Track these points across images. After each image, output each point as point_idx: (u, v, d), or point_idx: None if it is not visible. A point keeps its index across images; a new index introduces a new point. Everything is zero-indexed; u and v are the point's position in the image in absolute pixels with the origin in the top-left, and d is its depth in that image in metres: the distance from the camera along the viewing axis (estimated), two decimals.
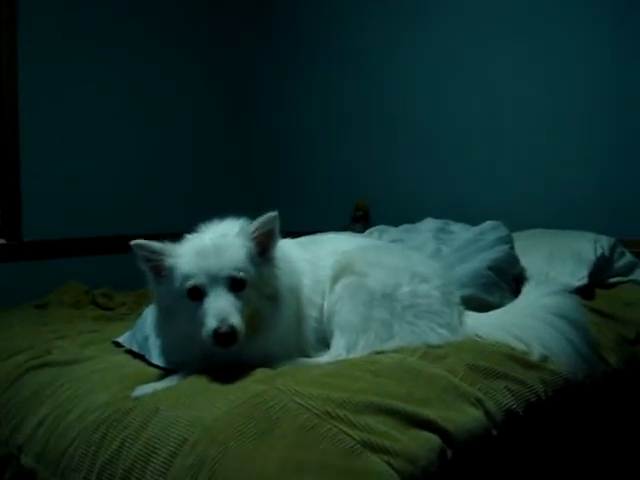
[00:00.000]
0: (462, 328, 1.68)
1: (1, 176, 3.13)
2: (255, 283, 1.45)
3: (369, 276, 1.63)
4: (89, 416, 1.36)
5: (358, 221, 3.39)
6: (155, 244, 1.47)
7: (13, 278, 3.06)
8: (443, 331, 1.61)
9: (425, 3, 3.30)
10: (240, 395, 1.26)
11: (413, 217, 2.60)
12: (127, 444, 1.23)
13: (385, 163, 3.48)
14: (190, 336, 1.42)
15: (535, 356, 1.58)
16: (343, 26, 3.65)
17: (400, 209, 3.20)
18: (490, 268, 2.01)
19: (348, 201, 3.47)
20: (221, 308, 1.37)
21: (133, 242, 1.46)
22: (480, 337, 1.66)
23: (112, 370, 1.61)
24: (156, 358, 1.63)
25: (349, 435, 1.11)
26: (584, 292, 2.12)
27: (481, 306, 1.86)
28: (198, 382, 1.38)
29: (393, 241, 2.29)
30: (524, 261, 2.20)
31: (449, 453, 1.18)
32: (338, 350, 1.56)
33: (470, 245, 2.13)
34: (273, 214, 1.49)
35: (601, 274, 2.29)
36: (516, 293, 1.96)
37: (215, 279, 1.40)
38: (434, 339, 1.59)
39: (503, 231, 2.19)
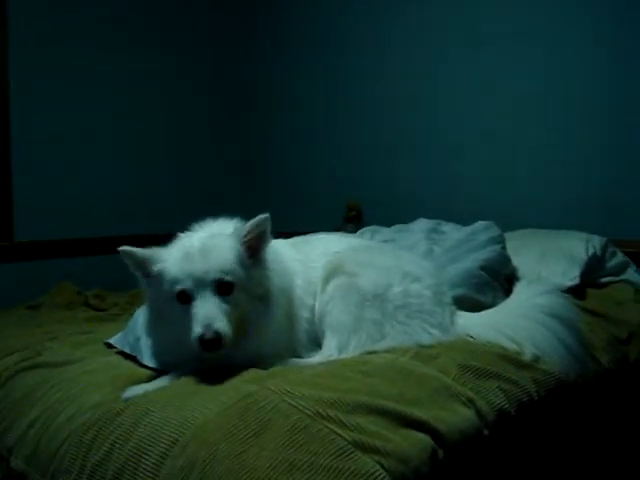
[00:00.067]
0: (454, 328, 1.68)
1: None
2: (244, 285, 1.45)
3: (360, 276, 1.63)
4: (80, 418, 1.36)
5: (351, 221, 3.39)
6: (141, 251, 1.47)
7: (5, 279, 3.05)
8: (435, 331, 1.61)
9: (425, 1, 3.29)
10: (231, 396, 1.25)
11: (406, 217, 2.59)
12: (118, 445, 1.23)
13: (378, 163, 3.47)
14: (180, 338, 1.42)
15: (527, 356, 1.58)
16: (343, 26, 3.64)
17: (393, 209, 3.20)
18: (482, 268, 2.01)
19: (341, 201, 3.47)
20: (206, 313, 1.37)
21: (120, 249, 1.46)
22: (472, 337, 1.66)
23: (103, 371, 1.60)
24: (147, 359, 1.63)
25: (340, 435, 1.11)
26: (576, 292, 2.12)
27: (473, 306, 1.86)
28: (189, 383, 1.38)
29: (385, 241, 2.29)
30: (516, 261, 2.20)
31: (441, 453, 1.18)
32: (330, 350, 1.56)
33: (462, 245, 2.13)
34: (264, 216, 1.49)
35: (593, 274, 2.30)
36: (508, 293, 1.95)
37: (201, 283, 1.40)
38: (426, 339, 1.59)
39: (495, 231, 2.19)
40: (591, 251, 2.29)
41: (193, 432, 1.16)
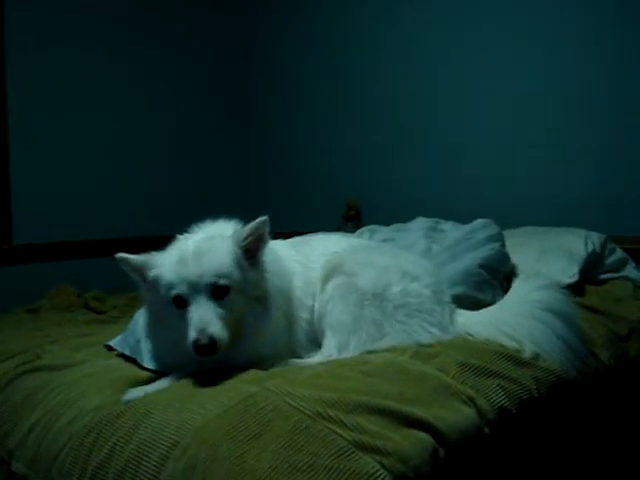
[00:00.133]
0: (453, 327, 1.68)
1: None
2: (241, 287, 1.44)
3: (360, 276, 1.63)
4: (80, 420, 1.36)
5: (350, 221, 3.39)
6: (137, 258, 1.48)
7: (4, 282, 3.05)
8: (434, 330, 1.61)
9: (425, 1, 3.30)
10: (232, 397, 1.25)
11: (406, 217, 2.59)
12: (118, 448, 1.23)
13: (378, 163, 3.47)
14: (178, 342, 1.42)
15: (527, 354, 1.58)
16: (343, 26, 3.64)
17: (393, 209, 3.20)
18: (481, 266, 2.01)
19: (340, 201, 3.47)
20: (201, 319, 1.37)
21: (117, 255, 1.47)
22: (471, 335, 1.66)
23: (103, 374, 1.60)
24: (147, 361, 1.63)
25: (341, 435, 1.11)
26: (575, 289, 2.12)
27: (473, 304, 1.86)
28: (189, 385, 1.38)
29: (384, 240, 2.29)
30: (515, 259, 2.20)
31: (441, 452, 1.18)
32: (329, 350, 1.56)
33: (461, 243, 2.13)
34: (263, 218, 1.49)
35: (592, 270, 2.30)
36: (507, 291, 1.95)
37: (196, 287, 1.40)
38: (425, 338, 1.59)
39: (494, 229, 2.19)
40: (590, 248, 2.29)
41: (194, 434, 1.16)
